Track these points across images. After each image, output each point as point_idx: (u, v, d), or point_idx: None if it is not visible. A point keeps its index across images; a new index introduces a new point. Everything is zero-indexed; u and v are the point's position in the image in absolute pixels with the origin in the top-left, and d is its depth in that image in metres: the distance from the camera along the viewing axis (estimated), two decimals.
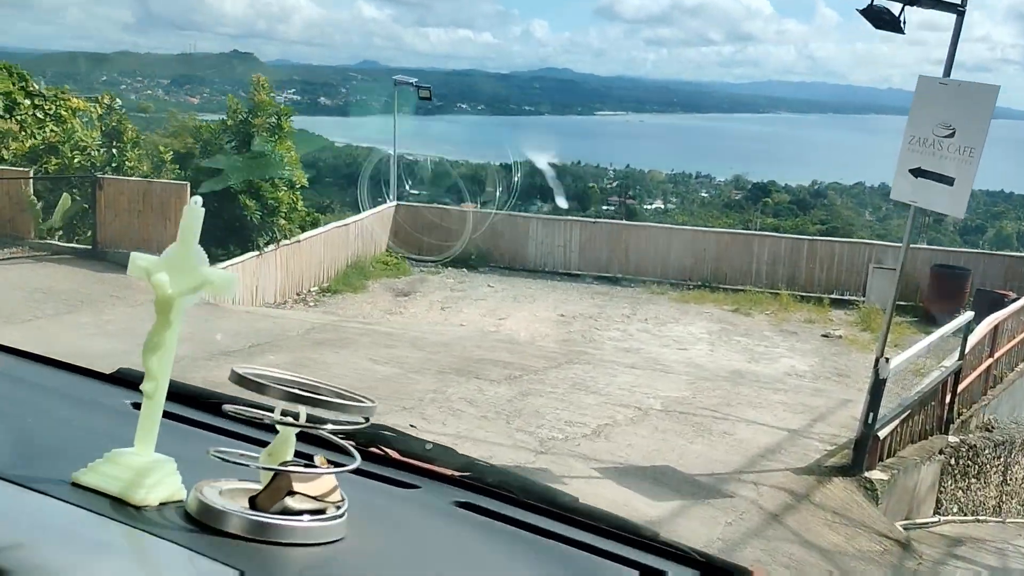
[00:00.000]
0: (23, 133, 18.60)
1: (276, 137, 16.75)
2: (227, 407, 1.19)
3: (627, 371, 13.36)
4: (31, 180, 15.61)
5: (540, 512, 1.23)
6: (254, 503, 1.02)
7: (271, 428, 1.12)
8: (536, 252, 23.29)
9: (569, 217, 24.42)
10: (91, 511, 0.97)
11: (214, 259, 15.98)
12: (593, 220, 24.24)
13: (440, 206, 25.09)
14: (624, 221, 31.16)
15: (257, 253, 16.81)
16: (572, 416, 10.52)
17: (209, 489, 1.03)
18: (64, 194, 15.61)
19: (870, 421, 9.80)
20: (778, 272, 21.77)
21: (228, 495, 1.03)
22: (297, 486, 1.01)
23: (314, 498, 1.02)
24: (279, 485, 1.01)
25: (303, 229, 18.84)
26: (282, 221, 17.17)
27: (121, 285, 14.35)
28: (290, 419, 1.07)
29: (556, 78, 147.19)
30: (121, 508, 1.00)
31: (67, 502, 0.98)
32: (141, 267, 1.07)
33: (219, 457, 1.06)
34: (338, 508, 1.04)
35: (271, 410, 1.09)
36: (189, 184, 15.43)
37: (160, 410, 1.07)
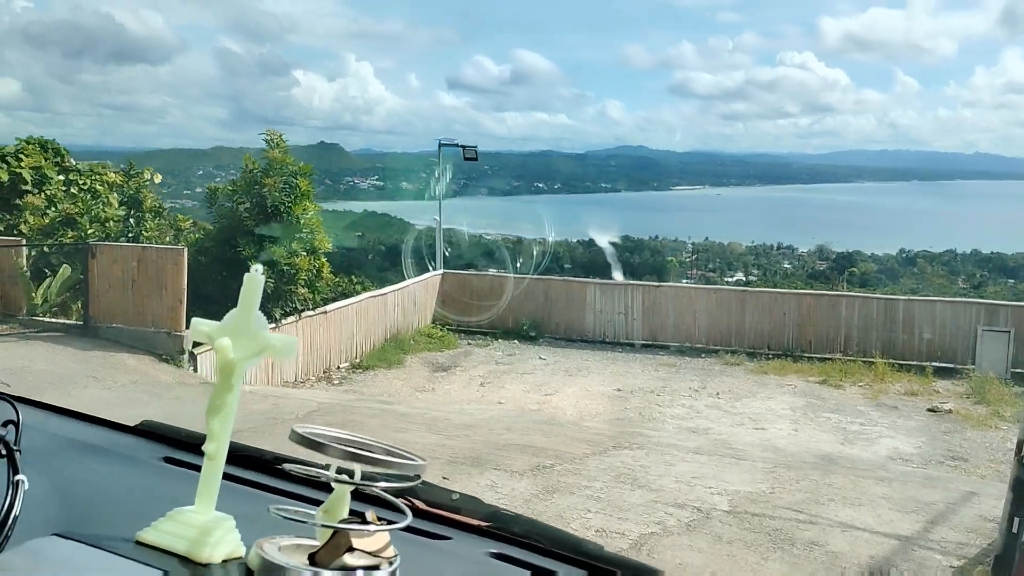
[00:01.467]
0: (51, 208, 17.31)
1: (292, 198, 14.90)
2: (287, 465, 1.28)
3: (689, 457, 10.60)
4: (24, 251, 14.00)
5: (568, 562, 1.22)
6: (313, 560, 1.02)
7: (323, 487, 1.16)
8: (595, 321, 20.74)
9: (630, 281, 21.83)
10: (157, 568, 0.98)
11: None
12: (656, 284, 21.57)
13: (490, 273, 22.88)
14: (691, 284, 28.24)
15: (273, 326, 14.78)
16: (607, 522, 7.87)
17: (269, 546, 1.03)
18: (64, 265, 13.99)
19: (1016, 528, 6.86)
20: (871, 338, 18.62)
21: (287, 552, 1.04)
22: (355, 543, 1.01)
23: (370, 554, 1.02)
24: (338, 542, 1.01)
25: (331, 299, 16.85)
26: (302, 290, 15.17)
27: (105, 364, 12.46)
28: (345, 476, 1.06)
29: (631, 155, 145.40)
30: (186, 565, 1.01)
31: (134, 559, 1.00)
32: (204, 332, 1.09)
33: (279, 515, 1.07)
34: (391, 563, 1.03)
35: (327, 468, 1.07)
36: (186, 249, 13.65)
37: (220, 471, 1.07)
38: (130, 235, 15.85)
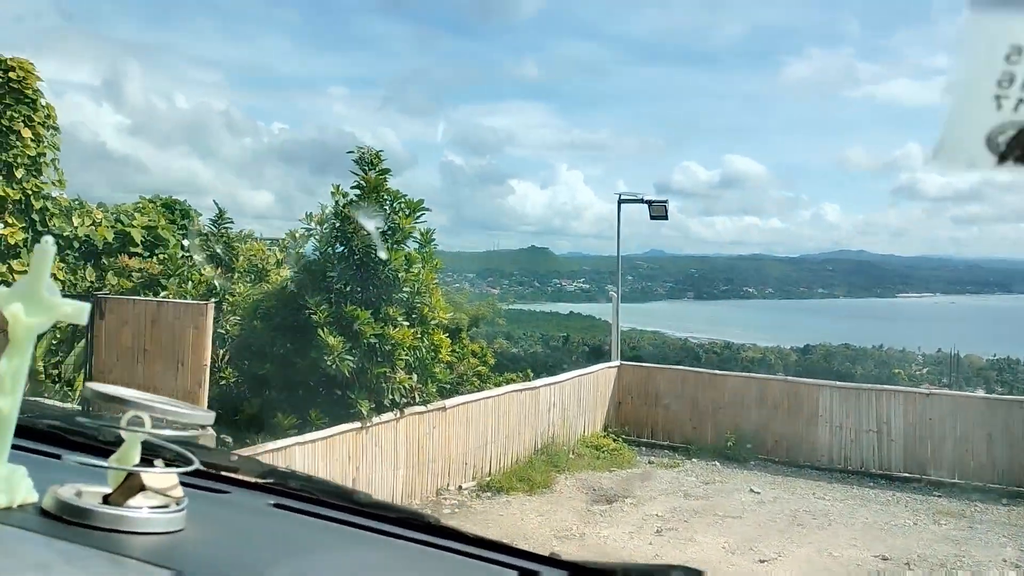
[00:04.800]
0: (163, 272, 13.78)
1: (392, 241, 10.13)
2: (80, 419, 1.28)
3: None
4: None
5: (343, 509, 1.26)
6: (107, 501, 1.04)
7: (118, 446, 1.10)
8: (830, 440, 14.12)
9: (884, 386, 14.99)
10: None
11: (266, 430, 8.95)
12: (927, 392, 14.64)
13: (683, 368, 16.88)
14: (983, 395, 20.43)
15: (358, 425, 9.84)
16: None
17: (63, 490, 1.04)
18: (84, 341, 9.89)
19: None
20: None
21: (82, 497, 1.04)
22: (146, 481, 1.03)
23: (159, 493, 1.04)
24: (130, 484, 1.03)
25: (452, 390, 11.77)
26: (401, 374, 10.18)
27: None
28: (135, 426, 1.06)
29: (851, 260, 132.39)
30: None
31: None
32: None
33: (74, 462, 1.11)
34: (179, 504, 1.06)
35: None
36: (213, 303, 9.15)
37: (12, 426, 1.03)
38: (216, 294, 11.82)
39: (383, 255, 9.81)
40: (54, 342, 11.42)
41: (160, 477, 1.04)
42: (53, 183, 14.82)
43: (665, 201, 16.03)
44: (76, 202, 15.10)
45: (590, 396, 14.95)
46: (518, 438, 12.89)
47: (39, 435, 1.36)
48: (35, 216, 14.40)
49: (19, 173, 14.11)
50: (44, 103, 14.47)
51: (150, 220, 15.77)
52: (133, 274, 13.20)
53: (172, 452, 1.14)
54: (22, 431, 1.08)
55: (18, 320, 1.01)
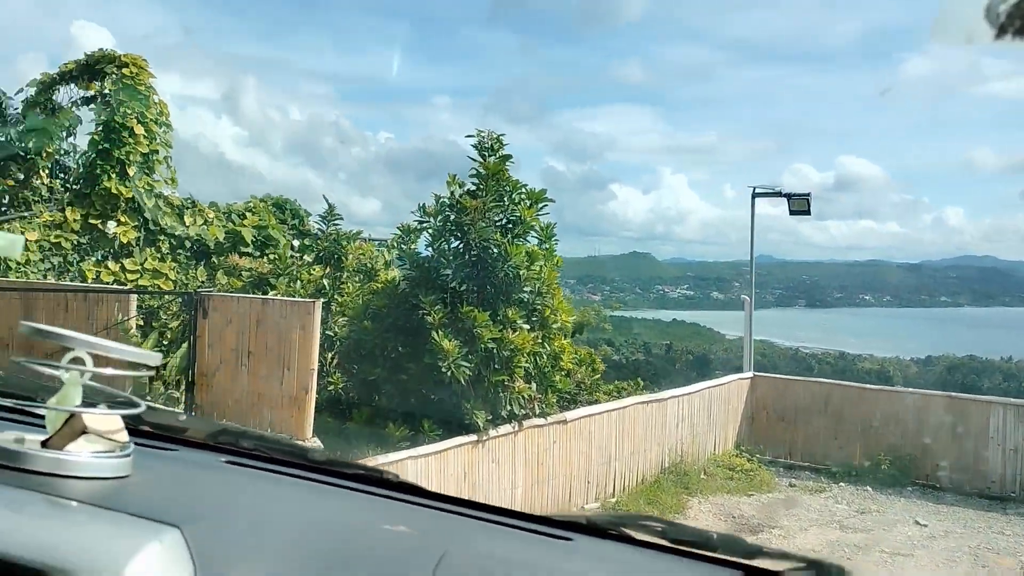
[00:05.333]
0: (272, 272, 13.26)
1: (512, 236, 9.06)
2: (17, 358, 1.13)
3: None
4: (133, 303, 9.45)
5: (299, 467, 1.21)
6: (46, 445, 0.98)
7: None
8: (1003, 463, 12.26)
9: None
10: None
11: (376, 440, 8.05)
12: None
13: (827, 381, 15.17)
14: None
15: (474, 438, 8.83)
16: None
17: (1, 436, 1.00)
18: (185, 345, 9.20)
19: None
20: None
21: (20, 443, 0.99)
22: (88, 424, 0.97)
23: (103, 437, 0.98)
24: (71, 428, 0.97)
25: (571, 400, 10.62)
26: (521, 383, 9.11)
27: None
28: (77, 366, 1.01)
29: (976, 266, 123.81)
30: None
31: None
32: None
33: (9, 403, 1.13)
34: (124, 449, 1.00)
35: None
36: (321, 302, 8.29)
37: None
38: (325, 294, 11.11)
39: (501, 251, 8.76)
40: (163, 343, 10.94)
41: (103, 419, 0.98)
42: (165, 181, 14.55)
43: (807, 195, 14.37)
44: (188, 201, 14.80)
45: (720, 410, 13.52)
46: (644, 455, 11.62)
47: None
48: (147, 215, 14.14)
49: (132, 171, 13.87)
50: (157, 100, 14.21)
51: (260, 220, 15.35)
52: (243, 273, 12.66)
53: (117, 397, 1.05)
54: None
55: None
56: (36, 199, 14.19)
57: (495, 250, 8.95)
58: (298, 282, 11.86)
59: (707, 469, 12.52)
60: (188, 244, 14.57)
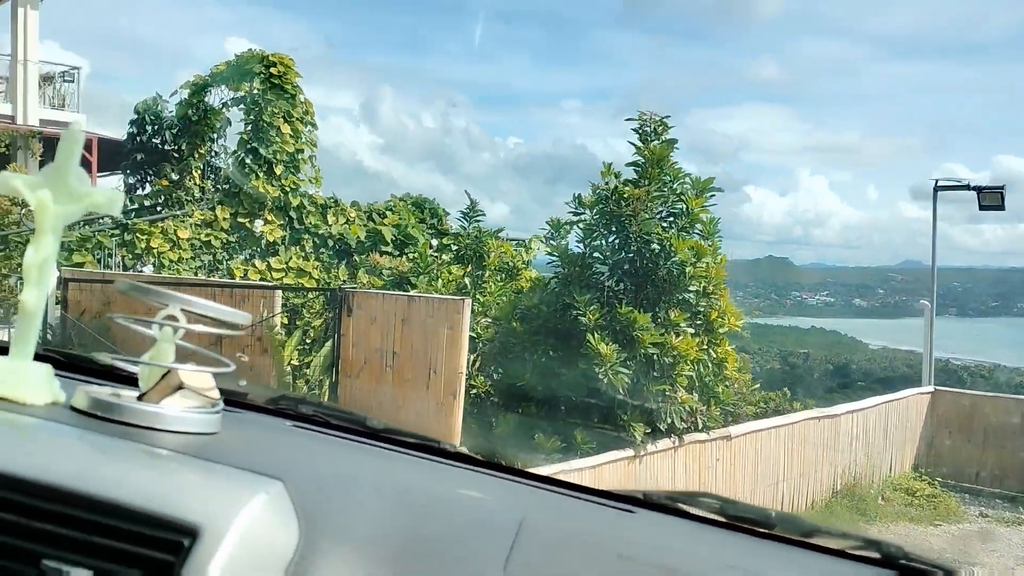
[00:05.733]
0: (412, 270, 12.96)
1: (678, 229, 8.13)
2: (112, 315, 1.15)
3: None
4: (279, 299, 9.11)
5: (359, 433, 1.21)
6: (142, 400, 0.98)
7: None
8: None
9: None
10: None
11: (524, 452, 7.38)
12: None
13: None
14: None
15: (631, 453, 7.98)
16: None
17: (95, 389, 0.99)
18: (329, 343, 8.77)
19: None
20: None
21: (117, 397, 0.98)
22: (184, 379, 0.97)
23: (197, 393, 0.98)
24: (167, 383, 0.98)
25: (738, 418, 9.55)
26: (683, 393, 8.17)
27: None
28: (171, 322, 0.99)
29: None
30: (8, 409, 0.93)
31: None
32: (15, 187, 0.97)
33: (110, 360, 1.10)
34: (214, 406, 1.00)
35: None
36: (469, 300, 7.64)
37: (38, 320, 0.99)
38: (464, 291, 10.61)
39: (664, 245, 7.86)
40: (306, 341, 10.73)
41: (198, 376, 0.99)
42: (309, 180, 14.49)
43: (1001, 187, 12.58)
44: (331, 200, 14.70)
45: (897, 427, 12.03)
46: (814, 476, 10.39)
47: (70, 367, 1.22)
48: (292, 213, 14.11)
49: (278, 170, 13.86)
50: (303, 99, 14.16)
51: (400, 219, 15.07)
52: (383, 272, 12.34)
53: (206, 356, 1.06)
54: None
55: (45, 208, 0.95)
56: (188, 199, 14.46)
57: (656, 245, 8.06)
58: (439, 280, 11.38)
59: (884, 493, 11.12)
60: (330, 243, 14.46)
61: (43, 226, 0.94)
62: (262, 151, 13.64)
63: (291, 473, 0.84)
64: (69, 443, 0.85)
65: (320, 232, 14.33)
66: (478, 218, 11.55)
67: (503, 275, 11.59)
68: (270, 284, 11.47)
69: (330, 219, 14.51)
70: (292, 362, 9.15)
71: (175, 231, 13.19)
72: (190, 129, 14.83)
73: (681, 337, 8.05)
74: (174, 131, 15.86)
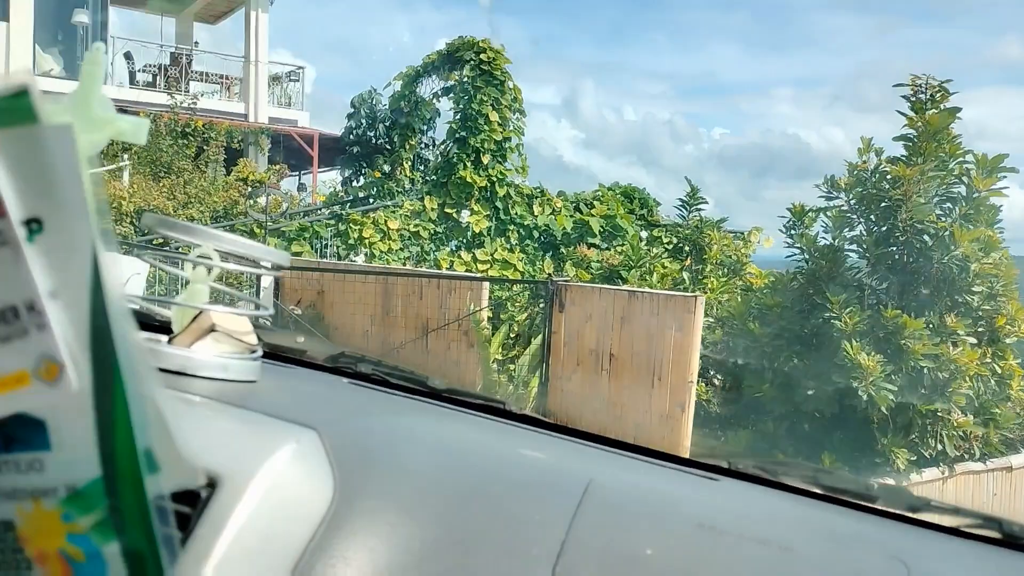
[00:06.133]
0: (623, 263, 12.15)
1: (960, 216, 6.62)
2: (141, 252, 1.12)
3: None
4: (486, 291, 8.47)
5: (420, 393, 1.13)
6: (172, 343, 0.93)
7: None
8: None
9: None
10: None
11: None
12: None
13: None
14: None
15: (890, 482, 6.63)
16: None
17: None
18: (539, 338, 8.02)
19: None
20: None
21: (141, 339, 0.84)
22: (218, 322, 0.92)
23: (232, 337, 0.92)
24: (199, 325, 0.92)
25: (1006, 440, 7.80)
26: (959, 415, 6.67)
27: None
28: (205, 260, 0.94)
29: None
30: None
31: None
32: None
33: (140, 301, 1.02)
34: (252, 352, 0.94)
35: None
36: (703, 296, 6.57)
37: None
38: (681, 287, 9.60)
39: (943, 236, 6.42)
40: (511, 336, 10.19)
41: (233, 318, 0.92)
42: (516, 169, 14.01)
43: None
44: (537, 190, 14.15)
45: None
46: None
47: None
48: (498, 204, 13.70)
49: (485, 159, 13.49)
50: (511, 86, 13.69)
51: (608, 209, 14.23)
52: (592, 265, 11.56)
53: (244, 299, 1.09)
54: None
55: None
56: (399, 190, 14.46)
57: (928, 237, 6.62)
58: (653, 275, 10.42)
59: None
60: (536, 234, 13.91)
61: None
62: (470, 140, 13.31)
63: (332, 425, 0.79)
64: None
65: (525, 223, 13.82)
66: (699, 207, 10.44)
67: (725, 270, 10.43)
68: (480, 276, 11.07)
69: (536, 209, 13.96)
70: (496, 357, 8.57)
71: (385, 221, 13.18)
72: (402, 120, 14.85)
73: (960, 348, 6.57)
74: (386, 123, 16.02)
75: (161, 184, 12.72)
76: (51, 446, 0.41)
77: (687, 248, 10.47)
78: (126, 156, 13.18)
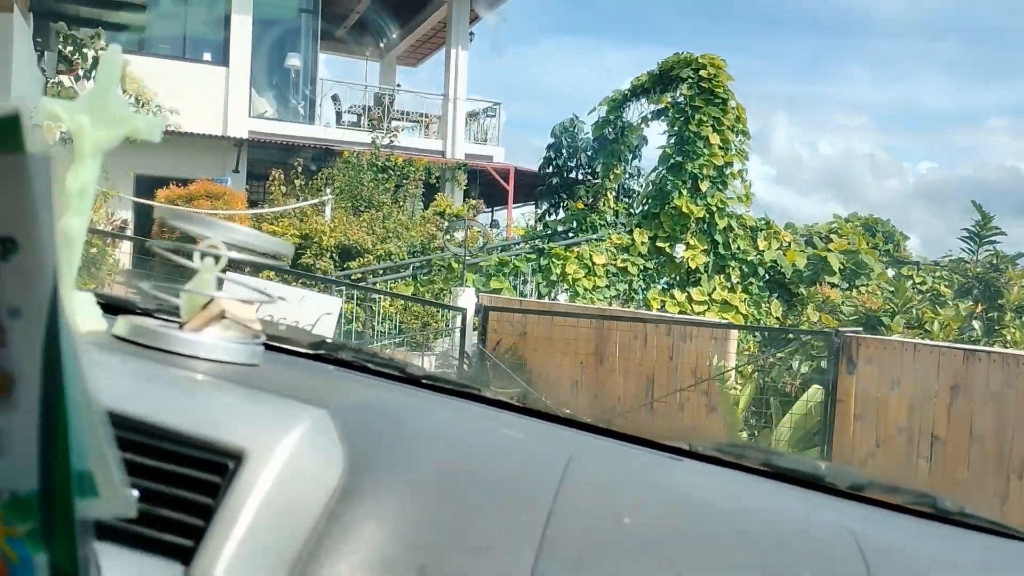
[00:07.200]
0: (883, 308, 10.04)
1: None
2: (151, 243, 1.13)
3: None
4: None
5: (401, 380, 1.17)
6: (183, 329, 0.96)
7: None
8: None
9: None
10: None
11: None
12: None
13: None
14: None
15: None
16: None
17: (135, 318, 0.98)
18: (815, 387, 6.21)
19: None
20: None
21: (156, 325, 0.97)
22: (227, 309, 0.95)
23: (239, 323, 0.96)
24: (208, 312, 0.96)
25: None
26: None
27: None
28: (214, 251, 0.98)
29: None
30: None
31: None
32: (54, 111, 0.91)
33: (149, 291, 1.06)
34: (256, 337, 0.98)
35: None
36: None
37: (80, 248, 0.95)
38: (972, 339, 7.39)
39: None
40: (756, 395, 8.35)
41: (241, 305, 0.97)
42: (739, 198, 12.18)
43: None
44: (762, 222, 12.21)
45: None
46: None
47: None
48: (717, 236, 11.90)
49: (704, 186, 11.78)
50: (734, 104, 11.95)
51: (849, 243, 12.01)
52: (841, 309, 9.48)
53: (248, 287, 1.08)
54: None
55: (84, 133, 0.91)
56: (602, 223, 13.06)
57: None
58: (934, 323, 8.22)
59: None
60: (761, 271, 11.96)
61: (82, 151, 0.90)
62: (687, 165, 11.67)
63: (335, 405, 0.83)
64: (112, 367, 0.83)
65: (749, 259, 11.92)
66: (992, 239, 8.17)
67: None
68: (726, 323, 9.32)
69: (760, 244, 12.02)
70: (738, 418, 6.77)
71: (590, 256, 11.79)
72: (606, 148, 13.49)
73: None
74: (588, 153, 14.76)
75: (361, 218, 12.11)
76: (1, 450, 0.44)
77: (976, 289, 8.22)
78: (328, 191, 12.76)
